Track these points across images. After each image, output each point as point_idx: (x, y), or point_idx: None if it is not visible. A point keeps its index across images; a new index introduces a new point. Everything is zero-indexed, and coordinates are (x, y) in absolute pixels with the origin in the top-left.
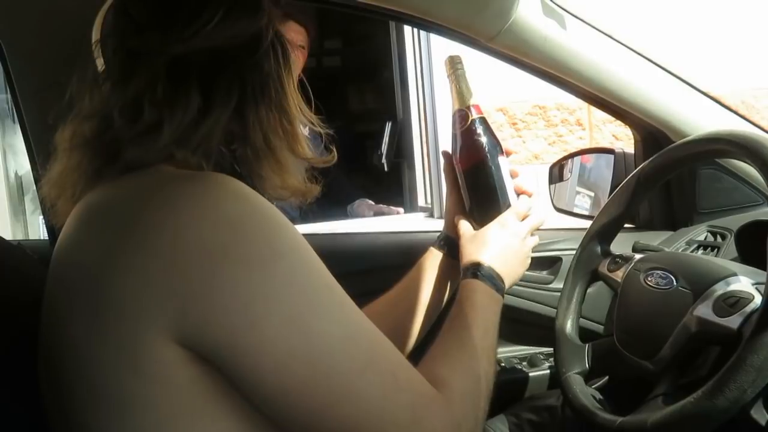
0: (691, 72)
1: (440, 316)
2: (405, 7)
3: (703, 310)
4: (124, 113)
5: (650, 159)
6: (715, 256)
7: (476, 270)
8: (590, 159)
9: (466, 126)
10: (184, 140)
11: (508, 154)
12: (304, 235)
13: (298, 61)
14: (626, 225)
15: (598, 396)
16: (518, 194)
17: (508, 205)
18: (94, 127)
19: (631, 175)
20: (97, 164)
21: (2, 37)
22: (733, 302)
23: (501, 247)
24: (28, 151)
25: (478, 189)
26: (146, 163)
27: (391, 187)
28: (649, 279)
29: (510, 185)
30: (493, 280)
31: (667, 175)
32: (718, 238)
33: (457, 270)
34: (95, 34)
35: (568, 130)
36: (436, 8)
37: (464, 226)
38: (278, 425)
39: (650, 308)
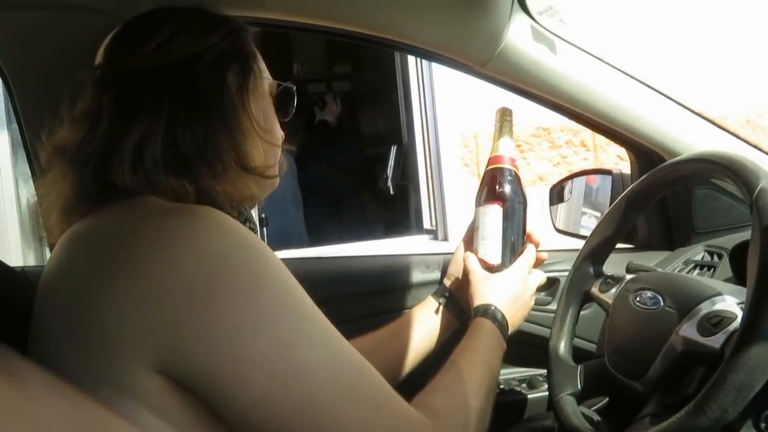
0: (696, 93)
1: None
2: (398, 36)
3: (688, 330)
4: (95, 132)
5: (639, 180)
6: (712, 275)
7: (488, 311)
8: (596, 180)
9: (496, 171)
10: (134, 160)
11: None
12: (308, 258)
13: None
14: (626, 245)
15: (596, 417)
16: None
17: (517, 254)
18: (71, 141)
19: (621, 196)
20: (74, 185)
21: (8, 68)
22: (716, 321)
23: (512, 294)
24: (33, 179)
25: (492, 231)
26: (125, 187)
27: (397, 209)
28: (638, 299)
29: (523, 235)
30: (501, 325)
31: (656, 195)
32: (715, 258)
33: (450, 323)
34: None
35: (573, 152)
36: (428, 36)
37: (475, 264)
38: None
39: (638, 328)
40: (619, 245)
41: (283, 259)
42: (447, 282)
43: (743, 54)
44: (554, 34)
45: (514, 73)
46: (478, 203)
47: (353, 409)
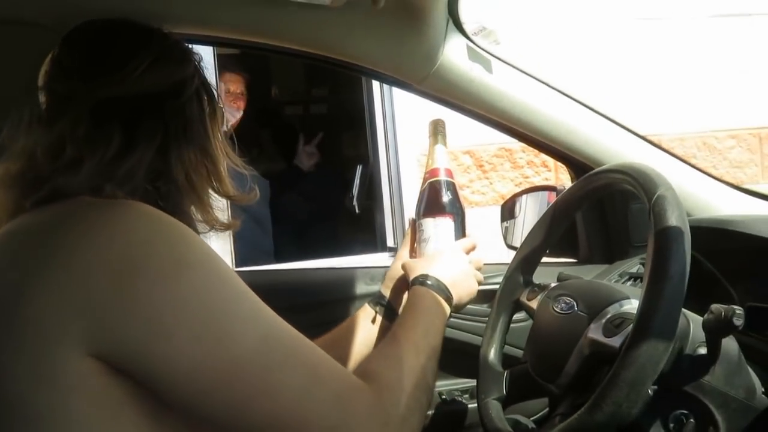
0: (652, 115)
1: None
2: (339, 54)
3: (595, 332)
4: (47, 152)
5: (562, 193)
6: None
7: (424, 280)
8: (553, 196)
9: (439, 183)
10: (105, 175)
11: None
12: (255, 271)
13: (236, 106)
14: (568, 260)
15: (531, 425)
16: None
17: None
18: (19, 165)
19: (547, 209)
20: (16, 199)
21: None
22: (618, 323)
23: (448, 264)
24: None
25: (445, 244)
26: (67, 194)
27: (363, 228)
28: (556, 305)
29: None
30: (441, 289)
31: (579, 206)
32: None
33: (387, 330)
34: (40, 80)
35: (534, 172)
36: (367, 55)
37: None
38: (198, 425)
39: (554, 333)
40: (561, 260)
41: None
42: (385, 290)
43: (701, 77)
44: (489, 54)
45: (451, 90)
46: (425, 215)
47: (289, 376)
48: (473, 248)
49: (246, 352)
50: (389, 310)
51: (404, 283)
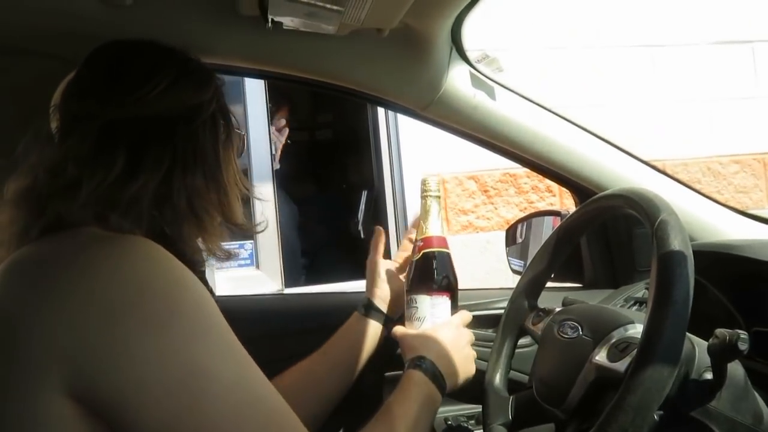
0: (657, 141)
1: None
2: (344, 82)
3: (600, 356)
4: (48, 170)
5: (566, 218)
6: None
7: (420, 363)
8: (558, 220)
9: (433, 255)
10: (108, 200)
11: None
12: (278, 296)
13: (282, 132)
14: (573, 285)
15: None
16: None
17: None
18: (24, 183)
19: (551, 234)
20: (24, 220)
21: None
22: (623, 347)
23: (446, 345)
24: None
25: (421, 321)
26: (72, 222)
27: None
28: (561, 329)
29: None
30: (435, 376)
31: (581, 231)
32: None
33: (376, 332)
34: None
35: (539, 197)
36: (372, 82)
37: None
38: None
39: (559, 357)
40: (566, 284)
41: (236, 296)
42: (369, 294)
43: (704, 103)
44: (493, 81)
45: (455, 117)
46: (419, 290)
47: None
48: (469, 321)
49: (221, 417)
50: (376, 312)
51: (395, 289)
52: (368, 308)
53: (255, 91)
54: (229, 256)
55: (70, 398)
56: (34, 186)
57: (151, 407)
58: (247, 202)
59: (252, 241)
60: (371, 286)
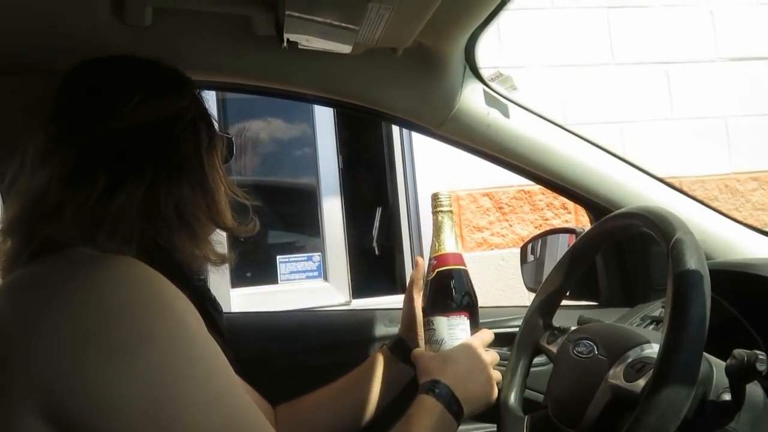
0: (675, 157)
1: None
2: (359, 100)
3: (615, 376)
4: (32, 198)
5: (581, 236)
6: None
7: (433, 387)
8: (573, 238)
9: (450, 274)
10: (93, 218)
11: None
12: (290, 312)
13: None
14: (590, 303)
15: None
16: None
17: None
18: (13, 212)
19: (566, 252)
20: (16, 247)
21: None
22: (639, 367)
23: (463, 370)
24: None
25: (439, 344)
26: (61, 244)
27: (385, 269)
28: (576, 349)
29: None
30: (450, 403)
31: (596, 249)
32: None
33: (404, 370)
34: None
35: (554, 214)
36: (386, 100)
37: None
38: None
39: (574, 376)
40: (581, 303)
41: (253, 313)
42: (400, 331)
43: (721, 120)
44: (506, 99)
45: (469, 135)
46: (435, 312)
47: None
48: (490, 341)
49: None
50: (405, 350)
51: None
52: (399, 349)
53: (323, 109)
54: (224, 260)
55: (49, 423)
56: (22, 213)
57: (124, 431)
58: (309, 213)
59: (320, 253)
60: (406, 324)
